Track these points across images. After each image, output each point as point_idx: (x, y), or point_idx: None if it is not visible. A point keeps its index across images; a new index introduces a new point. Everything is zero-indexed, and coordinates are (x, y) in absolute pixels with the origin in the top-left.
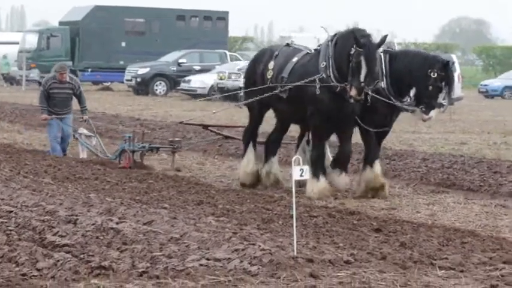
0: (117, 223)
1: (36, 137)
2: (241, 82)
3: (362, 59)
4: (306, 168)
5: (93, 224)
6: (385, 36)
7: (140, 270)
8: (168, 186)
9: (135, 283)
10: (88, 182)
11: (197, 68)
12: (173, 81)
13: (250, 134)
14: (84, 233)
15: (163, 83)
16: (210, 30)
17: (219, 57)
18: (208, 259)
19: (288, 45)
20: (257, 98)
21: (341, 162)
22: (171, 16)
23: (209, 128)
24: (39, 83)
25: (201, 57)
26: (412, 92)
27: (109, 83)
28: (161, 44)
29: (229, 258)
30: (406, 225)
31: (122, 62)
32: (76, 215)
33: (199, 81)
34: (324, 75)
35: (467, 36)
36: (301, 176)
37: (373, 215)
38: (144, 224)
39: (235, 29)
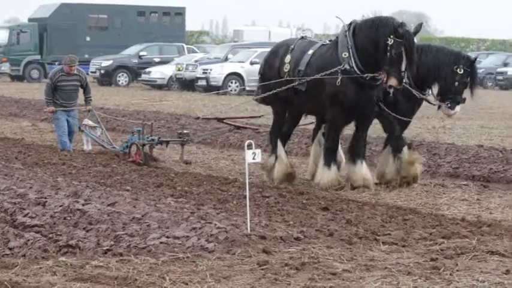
0: (83, 205)
1: (8, 126)
2: (198, 73)
3: (402, 49)
4: (258, 151)
5: (60, 206)
6: (420, 25)
7: (105, 248)
8: (130, 170)
9: (100, 260)
10: (56, 167)
11: (157, 60)
12: (134, 72)
13: (276, 132)
14: (52, 214)
15: (125, 75)
16: (169, 24)
17: (177, 50)
18: (168, 237)
19: (302, 38)
20: (274, 91)
21: (357, 152)
22: (132, 12)
23: (224, 120)
24: (10, 76)
25: (160, 50)
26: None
27: None
28: (123, 38)
29: (187, 236)
30: (351, 204)
31: (86, 55)
32: (45, 198)
33: (159, 73)
34: (346, 66)
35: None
36: (253, 159)
37: (321, 194)
38: (108, 205)
39: (192, 24)
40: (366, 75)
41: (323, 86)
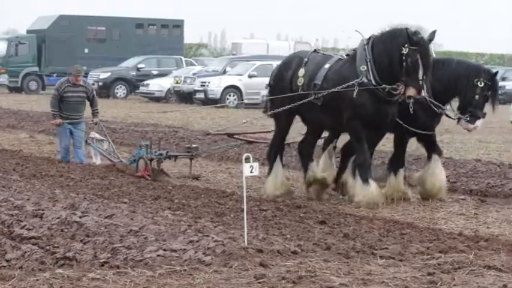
0: (80, 217)
1: (5, 137)
2: (196, 85)
3: (418, 57)
4: (256, 165)
5: (58, 218)
6: (434, 32)
7: (102, 261)
8: (128, 182)
9: (97, 272)
10: (53, 179)
11: (155, 72)
12: (133, 85)
13: (277, 145)
14: (49, 226)
15: (123, 87)
16: (167, 37)
17: (175, 62)
18: (165, 250)
19: (315, 51)
20: (289, 106)
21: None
22: (130, 24)
23: (234, 136)
24: (8, 87)
25: (159, 62)
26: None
27: None
28: (121, 50)
29: (184, 249)
30: (349, 218)
31: (84, 67)
32: (42, 210)
33: (157, 85)
34: (364, 79)
35: None
36: (251, 172)
37: (319, 208)
38: (106, 217)
39: (190, 36)
40: (383, 86)
41: (341, 100)
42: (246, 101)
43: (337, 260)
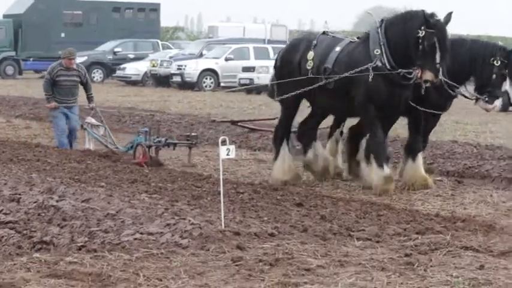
0: (57, 201)
1: None
2: (172, 69)
3: (435, 40)
4: (232, 147)
5: (35, 202)
6: (450, 14)
7: (79, 245)
8: (105, 166)
9: (74, 256)
10: (30, 163)
11: (131, 56)
12: (109, 68)
13: (284, 129)
14: (26, 210)
15: (100, 71)
16: (144, 21)
17: (151, 46)
18: (142, 233)
19: (324, 33)
20: (299, 91)
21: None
22: (107, 8)
23: (239, 123)
24: None
25: (135, 46)
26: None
27: None
28: (98, 34)
29: (161, 232)
30: (326, 200)
31: (61, 52)
32: (19, 194)
33: (133, 69)
34: (378, 62)
35: None
36: (227, 155)
37: (295, 190)
38: (83, 201)
39: (166, 20)
40: (399, 70)
41: (353, 84)
42: (222, 84)
43: (314, 242)
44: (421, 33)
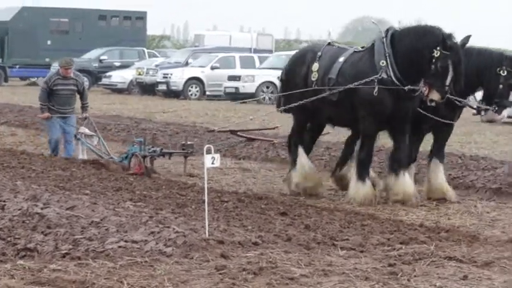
0: (41, 208)
1: None
2: (158, 77)
3: (449, 63)
4: (217, 156)
5: (19, 209)
6: (468, 37)
7: (63, 252)
8: (90, 173)
9: (58, 264)
10: (15, 171)
11: (117, 64)
12: (95, 76)
13: (297, 137)
14: (11, 217)
15: (85, 78)
16: (130, 29)
17: (137, 54)
18: (126, 241)
19: (329, 44)
20: (302, 101)
21: (398, 164)
22: (93, 16)
23: (238, 133)
24: None
25: (121, 54)
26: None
27: (36, 79)
28: (84, 42)
29: (145, 240)
30: (310, 209)
31: (47, 59)
32: (4, 201)
33: (119, 77)
34: (383, 75)
35: (369, 35)
36: (212, 164)
37: (280, 199)
38: (67, 209)
39: (153, 28)
40: (406, 87)
41: (357, 95)
42: (208, 93)
43: (298, 251)
44: (436, 54)
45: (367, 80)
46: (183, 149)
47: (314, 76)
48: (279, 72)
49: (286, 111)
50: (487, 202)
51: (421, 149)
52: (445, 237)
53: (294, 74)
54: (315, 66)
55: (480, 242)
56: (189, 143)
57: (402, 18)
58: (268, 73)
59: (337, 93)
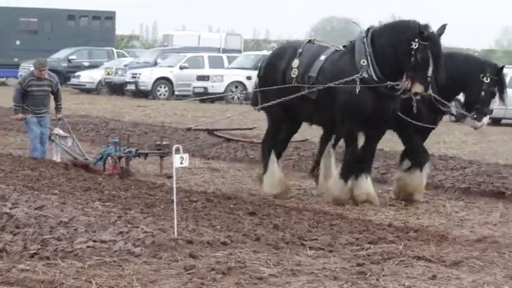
0: (10, 208)
1: None
2: (127, 77)
3: (429, 53)
4: (186, 156)
5: None
6: (444, 26)
7: (31, 252)
8: (59, 173)
9: (26, 264)
10: None
11: (86, 64)
12: (64, 76)
13: (271, 141)
14: None
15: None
16: (99, 29)
17: (106, 54)
18: (95, 241)
19: (310, 41)
20: (281, 100)
21: (363, 165)
22: (62, 16)
23: (215, 133)
24: None
25: (90, 54)
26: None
27: (4, 79)
28: (53, 41)
29: (114, 240)
30: (279, 209)
31: (16, 59)
32: None
33: (88, 77)
34: (364, 74)
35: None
36: (181, 163)
37: (249, 199)
38: (36, 209)
39: (121, 28)
40: (387, 83)
41: (337, 94)
42: (176, 93)
43: (267, 251)
44: (415, 45)
45: (347, 79)
46: (159, 149)
47: (294, 73)
48: (247, 72)
49: (262, 109)
50: (456, 202)
51: (388, 149)
52: (413, 236)
53: (273, 69)
54: (295, 62)
55: (449, 242)
56: (164, 143)
57: (373, 18)
58: (237, 73)
59: (317, 91)
